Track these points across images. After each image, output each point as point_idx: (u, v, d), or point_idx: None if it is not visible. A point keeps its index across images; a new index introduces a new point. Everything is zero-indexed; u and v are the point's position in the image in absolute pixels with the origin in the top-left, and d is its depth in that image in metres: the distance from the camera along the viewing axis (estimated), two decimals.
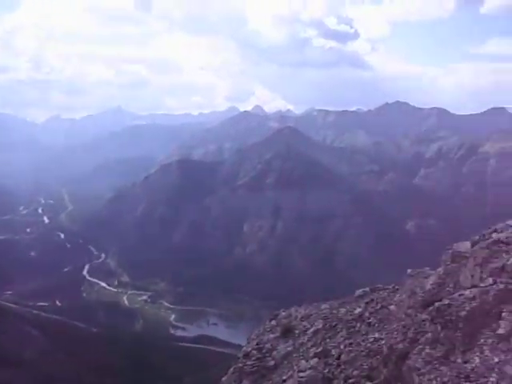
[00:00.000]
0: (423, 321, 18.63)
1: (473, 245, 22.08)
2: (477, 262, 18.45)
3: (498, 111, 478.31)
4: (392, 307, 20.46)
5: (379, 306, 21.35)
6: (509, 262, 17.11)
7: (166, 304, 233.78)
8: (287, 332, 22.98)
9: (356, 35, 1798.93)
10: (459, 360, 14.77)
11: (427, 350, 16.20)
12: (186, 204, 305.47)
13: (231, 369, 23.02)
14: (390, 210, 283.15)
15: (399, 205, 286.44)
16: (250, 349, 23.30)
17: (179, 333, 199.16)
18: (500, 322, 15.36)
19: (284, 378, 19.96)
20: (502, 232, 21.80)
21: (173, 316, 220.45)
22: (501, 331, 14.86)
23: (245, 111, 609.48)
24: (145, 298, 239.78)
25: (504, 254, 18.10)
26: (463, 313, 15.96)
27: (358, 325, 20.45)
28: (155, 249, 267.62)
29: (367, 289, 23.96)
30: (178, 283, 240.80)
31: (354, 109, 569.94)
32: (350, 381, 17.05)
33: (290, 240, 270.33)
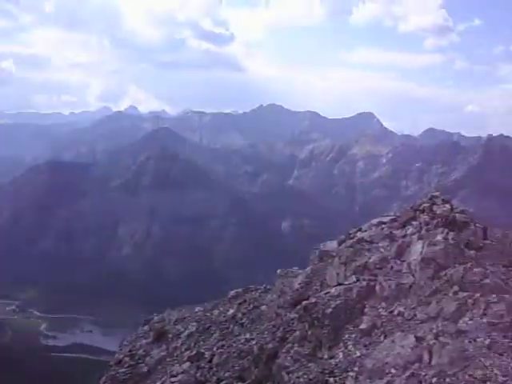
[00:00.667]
0: (292, 320, 19.18)
1: (339, 244, 23.10)
2: (342, 260, 19.32)
3: (366, 116, 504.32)
4: (263, 307, 20.91)
5: (251, 306, 21.71)
6: (371, 260, 18.08)
7: (37, 313, 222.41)
8: (160, 337, 22.69)
9: (232, 38, 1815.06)
10: (325, 356, 15.40)
11: (296, 348, 16.72)
12: (57, 208, 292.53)
13: (103, 377, 22.34)
14: (266, 211, 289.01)
15: (274, 205, 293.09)
16: (122, 356, 22.75)
17: (51, 342, 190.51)
18: (363, 317, 16.20)
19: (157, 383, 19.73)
20: (365, 231, 22.98)
21: (43, 325, 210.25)
22: (363, 326, 15.67)
23: (118, 111, 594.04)
24: (13, 307, 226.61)
25: (366, 253, 19.10)
26: (329, 310, 16.60)
27: (231, 326, 20.66)
28: (24, 256, 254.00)
29: (240, 290, 24.26)
30: (50, 291, 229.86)
31: (229, 111, 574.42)
32: (222, 383, 17.20)
33: (166, 242, 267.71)
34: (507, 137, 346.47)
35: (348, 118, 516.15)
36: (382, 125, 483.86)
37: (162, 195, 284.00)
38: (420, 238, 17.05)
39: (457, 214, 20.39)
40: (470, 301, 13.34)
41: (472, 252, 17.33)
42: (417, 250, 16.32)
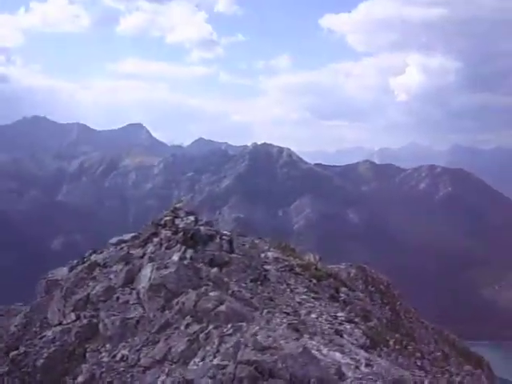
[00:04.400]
0: (1, 376, 15.29)
1: (70, 270, 19.56)
2: (63, 293, 15.92)
3: (136, 127, 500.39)
4: None
5: None
6: (94, 291, 14.97)
7: None
8: None
9: None
10: None
11: None
12: None
13: None
14: (34, 230, 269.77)
15: (43, 223, 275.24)
16: None
17: None
18: (82, 366, 13.06)
19: None
20: (101, 253, 19.81)
21: None
22: (81, 379, 12.43)
23: None
24: None
25: (91, 282, 15.97)
26: (41, 361, 13.14)
27: None
28: None
29: None
30: None
31: None
32: None
33: None
34: (270, 144, 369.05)
35: (117, 130, 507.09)
36: (151, 135, 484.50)
37: None
38: (151, 260, 14.43)
39: (201, 227, 18.29)
40: (202, 335, 11.01)
41: (214, 270, 15.22)
42: (146, 274, 13.63)
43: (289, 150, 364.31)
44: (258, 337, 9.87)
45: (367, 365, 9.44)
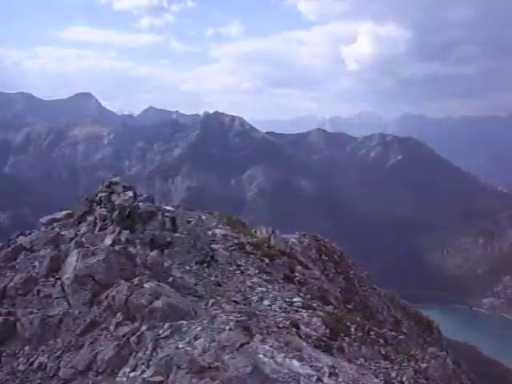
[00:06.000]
0: None
1: None
2: None
3: (84, 96, 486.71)
4: None
5: None
6: (11, 283, 12.84)
7: None
8: None
9: None
10: None
11: None
12: None
13: None
14: None
15: None
16: None
17: None
18: None
19: None
20: (29, 234, 17.62)
21: None
22: None
23: None
24: None
25: (9, 271, 13.85)
26: None
27: None
28: None
29: None
30: None
31: None
32: None
33: None
34: (222, 113, 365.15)
35: (65, 99, 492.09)
36: (100, 105, 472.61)
37: None
38: (78, 245, 12.40)
39: (141, 204, 16.34)
40: (133, 338, 9.20)
41: (153, 253, 13.37)
42: (71, 263, 11.61)
43: (241, 118, 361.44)
44: (196, 349, 8.09)
45: (331, 374, 7.90)
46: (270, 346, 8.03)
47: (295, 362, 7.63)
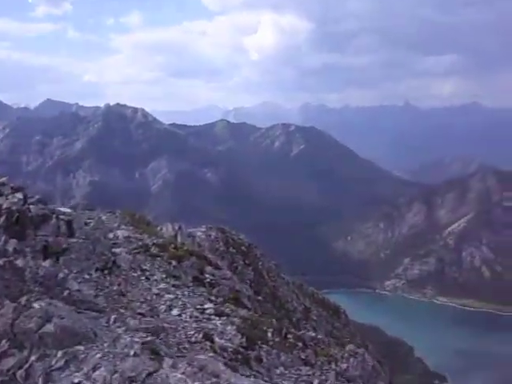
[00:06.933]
0: None
1: None
2: None
3: None
4: None
5: None
6: None
7: None
8: None
9: None
10: None
11: None
12: None
13: None
14: None
15: None
16: None
17: None
18: None
19: None
20: None
21: None
22: None
23: None
24: None
25: None
26: None
27: None
28: None
29: None
30: None
31: None
32: None
33: None
34: (124, 105, 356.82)
35: None
36: None
37: None
38: None
39: (31, 206, 14.62)
40: (20, 372, 7.77)
41: (46, 264, 11.87)
42: None
43: (143, 110, 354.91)
44: (96, 383, 6.88)
45: None
46: (183, 373, 6.94)
47: None
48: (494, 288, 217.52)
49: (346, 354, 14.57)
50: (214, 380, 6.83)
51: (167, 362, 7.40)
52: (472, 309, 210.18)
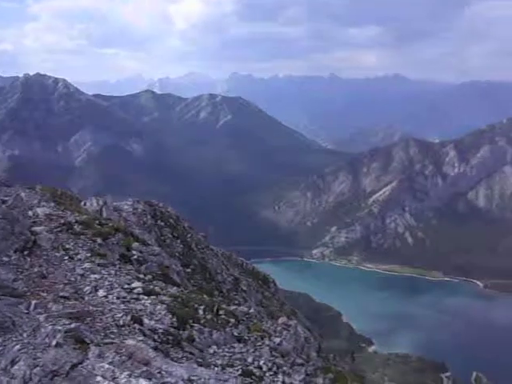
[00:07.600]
0: None
1: None
2: None
3: None
4: None
5: None
6: None
7: None
8: None
9: None
10: None
11: None
12: None
13: None
14: None
15: None
16: None
17: None
18: None
19: None
20: None
21: None
22: None
23: None
24: None
25: None
26: None
27: None
28: None
29: None
30: None
31: None
32: None
33: None
34: (44, 75, 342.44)
35: None
36: None
37: None
38: None
39: None
40: None
41: None
42: None
43: (65, 80, 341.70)
44: (15, 379, 6.27)
45: None
46: (110, 363, 6.45)
47: (143, 382, 6.14)
48: (416, 253, 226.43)
49: (279, 328, 14.42)
50: (144, 369, 6.39)
51: (93, 351, 6.90)
52: (396, 273, 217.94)
